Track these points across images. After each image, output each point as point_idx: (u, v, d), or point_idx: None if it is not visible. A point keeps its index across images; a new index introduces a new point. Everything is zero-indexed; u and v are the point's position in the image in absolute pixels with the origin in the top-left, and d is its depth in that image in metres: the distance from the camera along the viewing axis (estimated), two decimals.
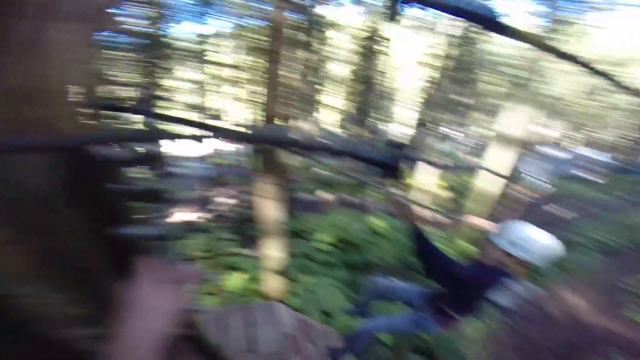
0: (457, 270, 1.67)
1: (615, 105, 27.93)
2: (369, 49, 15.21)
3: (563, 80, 26.84)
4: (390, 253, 5.84)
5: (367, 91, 17.67)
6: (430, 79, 17.01)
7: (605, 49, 26.02)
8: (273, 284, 4.18)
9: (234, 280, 4.56)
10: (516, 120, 7.09)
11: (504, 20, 0.83)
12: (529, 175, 7.53)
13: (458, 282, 1.69)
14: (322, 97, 26.48)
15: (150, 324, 0.44)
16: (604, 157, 26.74)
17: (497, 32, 0.86)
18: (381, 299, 2.32)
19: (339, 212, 8.86)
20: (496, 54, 25.44)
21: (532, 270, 1.63)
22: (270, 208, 3.79)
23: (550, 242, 1.58)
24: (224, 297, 4.06)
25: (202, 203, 13.43)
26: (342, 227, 6.51)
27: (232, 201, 12.30)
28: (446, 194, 14.97)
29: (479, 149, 33.37)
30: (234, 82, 17.20)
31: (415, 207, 1.75)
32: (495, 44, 24.64)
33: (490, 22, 0.82)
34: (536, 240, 1.57)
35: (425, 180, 11.77)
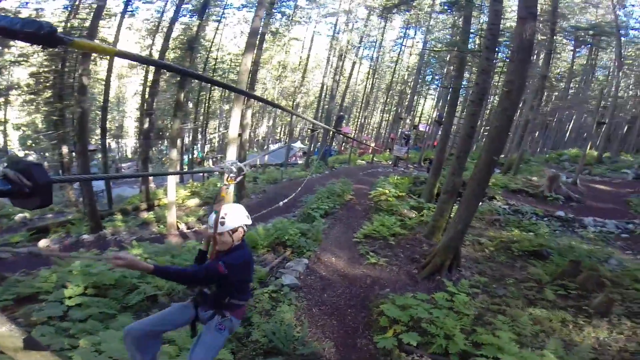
0: (214, 270, 1.99)
1: (299, 104, 37.87)
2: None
3: (272, 86, 33.04)
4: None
5: (75, 100, 14.20)
6: (151, 84, 16.08)
7: (300, 57, 34.38)
8: None
9: None
10: (235, 120, 8.11)
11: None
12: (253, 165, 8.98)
13: (220, 278, 2.02)
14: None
15: None
16: (299, 144, 36.10)
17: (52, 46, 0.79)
18: (149, 341, 2.11)
19: (71, 257, 6.89)
20: (220, 61, 27.58)
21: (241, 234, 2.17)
22: None
23: (223, 211, 2.09)
24: None
25: None
26: (85, 272, 5.17)
27: None
28: (194, 202, 15.16)
29: (216, 151, 35.76)
30: None
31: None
32: (216, 51, 26.61)
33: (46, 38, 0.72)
34: (214, 216, 2.07)
35: (171, 194, 11.31)
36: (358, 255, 7.28)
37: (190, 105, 24.57)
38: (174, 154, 11.78)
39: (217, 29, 25.11)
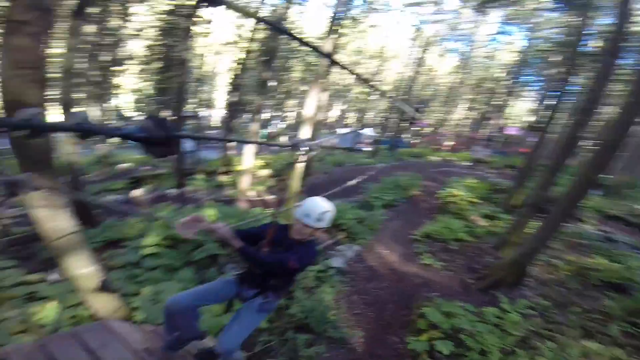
0: (285, 264, 1.97)
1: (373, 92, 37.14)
2: (184, 29, 13.77)
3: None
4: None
5: (177, 73, 16.11)
6: (241, 62, 17.32)
7: (378, 45, 34.00)
8: (103, 305, 3.37)
9: (45, 311, 3.41)
10: (312, 101, 8.25)
11: None
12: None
13: (288, 270, 2.04)
14: (118, 78, 22.26)
15: None
16: (371, 132, 35.61)
17: None
18: (191, 313, 2.15)
19: (157, 209, 7.92)
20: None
21: (327, 232, 2.11)
22: (51, 220, 2.94)
23: (327, 206, 2.06)
24: (39, 332, 3.02)
25: None
26: (166, 223, 5.88)
27: None
28: (266, 172, 16.12)
29: (289, 128, 37.49)
30: None
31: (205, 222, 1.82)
32: (299, 33, 27.62)
33: None
34: (316, 208, 2.02)
35: (248, 161, 12.14)
36: (413, 254, 7.01)
37: (272, 83, 25.72)
38: (254, 126, 12.53)
39: (300, 12, 25.55)
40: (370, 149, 29.39)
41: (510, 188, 10.46)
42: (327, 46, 8.23)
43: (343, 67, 1.65)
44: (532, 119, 24.88)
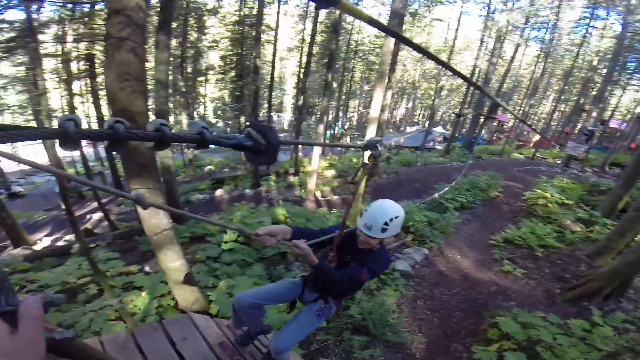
0: (357, 279, 1.87)
1: (444, 87, 35.12)
2: (253, 37, 14.86)
3: (413, 67, 32.14)
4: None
5: (250, 79, 17.33)
6: (304, 65, 17.89)
7: (445, 39, 32.36)
8: (185, 297, 3.74)
9: (137, 300, 3.92)
10: (377, 101, 8.04)
11: None
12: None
13: (359, 284, 2.01)
14: (200, 88, 24.90)
15: None
16: (441, 129, 33.68)
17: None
18: (256, 310, 2.22)
19: (235, 207, 8.55)
20: (360, 43, 28.70)
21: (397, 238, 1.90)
22: (152, 217, 3.30)
23: (393, 212, 1.82)
24: (130, 320, 3.45)
25: (61, 224, 11.01)
26: (244, 221, 6.29)
27: (100, 215, 10.46)
28: (331, 173, 16.34)
29: (354, 128, 37.53)
30: (74, 75, 14.34)
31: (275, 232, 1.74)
32: (357, 33, 27.75)
33: None
34: (380, 216, 1.80)
35: (314, 163, 12.42)
36: (490, 260, 6.42)
37: (335, 85, 26.00)
38: (320, 128, 12.81)
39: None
40: (441, 147, 27.80)
41: (614, 189, 8.87)
42: (389, 44, 7.98)
43: (418, 48, 1.48)
44: None
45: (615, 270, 4.96)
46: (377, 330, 3.96)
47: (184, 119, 24.54)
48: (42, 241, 9.31)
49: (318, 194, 13.18)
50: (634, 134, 21.11)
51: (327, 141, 26.16)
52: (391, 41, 8.08)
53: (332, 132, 27.56)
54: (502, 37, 22.59)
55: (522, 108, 34.73)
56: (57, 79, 13.82)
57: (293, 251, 1.73)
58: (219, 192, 13.69)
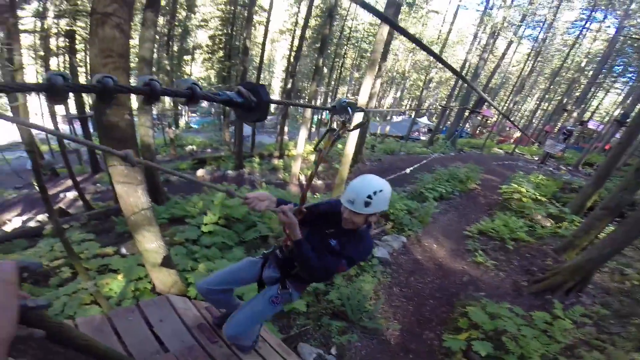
0: (333, 270, 1.74)
1: (434, 79, 35.33)
2: (244, 17, 14.37)
3: (404, 58, 32.02)
4: (279, 223, 5.94)
5: (239, 61, 16.87)
6: (296, 49, 17.55)
7: (439, 31, 32.28)
8: (162, 280, 3.69)
9: (113, 284, 3.83)
10: (366, 88, 8.01)
11: None
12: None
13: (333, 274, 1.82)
14: (185, 67, 24.05)
15: None
16: (426, 120, 34.04)
17: None
18: (222, 294, 2.14)
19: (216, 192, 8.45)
20: (353, 30, 28.31)
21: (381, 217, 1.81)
22: (130, 195, 3.21)
23: (377, 185, 1.64)
24: (105, 304, 3.38)
25: (33, 203, 10.59)
26: (224, 204, 6.24)
27: (74, 194, 10.10)
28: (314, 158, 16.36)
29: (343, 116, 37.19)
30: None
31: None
32: (352, 20, 27.33)
33: None
34: (363, 189, 1.63)
35: (300, 146, 12.39)
36: (464, 250, 6.67)
37: (325, 70, 25.70)
38: (308, 113, 12.73)
39: None
40: (425, 137, 28.16)
41: (584, 187, 9.29)
42: (383, 32, 7.90)
43: (412, 38, 1.41)
44: (620, 112, 21.71)
45: (578, 266, 5.24)
46: (354, 316, 4.07)
47: (166, 97, 23.73)
48: (12, 222, 8.91)
49: (302, 178, 13.23)
50: (609, 136, 21.95)
51: (314, 126, 26.05)
52: (385, 30, 7.99)
53: (319, 117, 27.36)
54: (496, 33, 22.76)
55: (506, 104, 35.43)
56: (34, 56, 13.05)
57: (280, 219, 1.58)
58: (200, 173, 13.48)
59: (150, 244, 3.51)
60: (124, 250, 5.18)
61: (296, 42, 17.91)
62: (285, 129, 18.08)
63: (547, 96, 34.67)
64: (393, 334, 4.20)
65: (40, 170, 3.20)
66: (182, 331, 2.40)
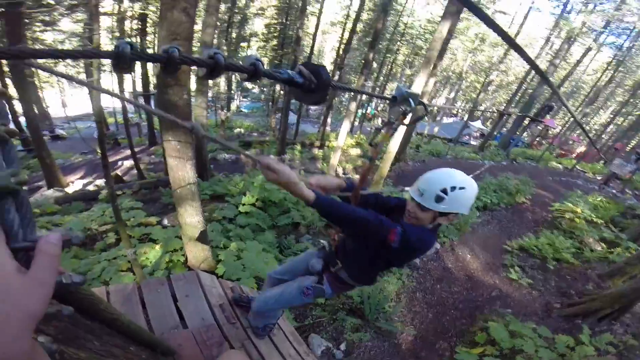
0: (380, 229, 1.33)
1: (493, 82, 33.18)
2: (298, 7, 14.60)
3: (463, 58, 30.45)
4: (312, 211, 6.02)
5: (291, 50, 17.19)
6: (345, 41, 17.41)
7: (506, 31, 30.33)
8: (195, 254, 3.91)
9: (150, 253, 4.10)
10: (418, 86, 7.75)
11: None
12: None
13: (380, 245, 1.39)
14: (242, 53, 25.00)
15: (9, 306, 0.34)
16: (480, 124, 32.14)
17: None
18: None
19: (258, 171, 8.78)
20: (409, 26, 27.44)
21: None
22: (180, 169, 3.44)
23: (459, 180, 1.36)
24: (139, 272, 3.57)
25: (94, 168, 11.78)
26: (264, 187, 6.44)
27: (130, 164, 11.05)
28: (357, 152, 16.27)
29: (387, 111, 36.54)
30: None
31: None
32: (407, 16, 26.47)
33: None
34: (440, 181, 1.37)
35: (341, 139, 12.40)
36: (499, 264, 6.35)
37: (375, 65, 25.16)
38: (353, 106, 12.59)
39: None
40: (476, 142, 26.65)
41: None
42: (442, 30, 7.56)
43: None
44: None
45: (621, 294, 4.84)
46: (371, 315, 4.06)
47: (222, 81, 24.83)
48: (75, 183, 9.84)
49: (340, 170, 13.23)
50: None
51: (357, 120, 25.80)
52: (445, 27, 7.64)
53: (364, 111, 27.02)
54: (572, 39, 20.73)
55: (575, 115, 32.18)
56: (110, 37, 14.34)
57: (266, 176, 1.13)
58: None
59: (191, 218, 3.70)
60: (165, 222, 5.57)
61: (346, 35, 17.74)
62: (328, 120, 18.14)
63: (623, 110, 31.01)
64: (406, 338, 4.16)
65: (104, 139, 3.50)
66: (204, 309, 2.44)
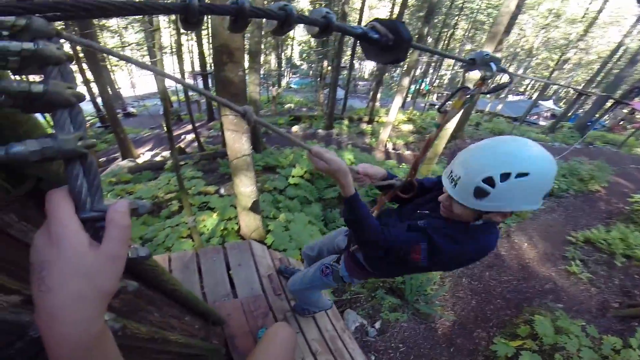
0: (404, 249, 1.14)
1: (570, 60, 29.37)
2: None
3: (534, 34, 27.27)
4: (359, 189, 6.03)
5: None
6: (397, 16, 16.43)
7: (587, 9, 26.54)
8: (247, 223, 4.14)
9: (208, 221, 4.39)
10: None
11: None
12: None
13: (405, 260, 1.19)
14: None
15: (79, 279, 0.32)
16: (551, 104, 28.88)
17: None
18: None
19: (307, 144, 8.92)
20: (468, 0, 25.07)
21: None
22: (236, 142, 3.61)
23: (515, 159, 0.94)
24: (198, 239, 3.79)
25: (161, 141, 12.97)
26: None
27: (192, 137, 11.94)
28: (409, 128, 15.72)
29: (443, 87, 34.44)
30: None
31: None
32: None
33: None
34: (483, 162, 0.98)
35: (392, 114, 12.02)
36: (559, 256, 5.83)
37: (430, 39, 23.48)
38: (405, 81, 12.04)
39: None
40: (545, 123, 24.11)
41: None
42: (510, 4, 6.79)
43: None
44: None
45: None
46: (411, 296, 3.98)
47: (272, 59, 25.09)
48: (144, 155, 11.01)
49: (389, 145, 12.96)
50: None
51: (409, 96, 24.61)
52: (512, 1, 6.87)
53: (417, 87, 25.67)
54: None
55: None
56: (168, 19, 15.07)
57: (316, 165, 1.09)
58: (295, 128, 14.45)
59: (245, 187, 3.88)
60: (222, 191, 5.96)
61: (396, 10, 16.71)
62: (378, 95, 17.62)
63: None
64: (444, 323, 4.06)
65: (169, 115, 3.82)
66: (253, 279, 2.50)
